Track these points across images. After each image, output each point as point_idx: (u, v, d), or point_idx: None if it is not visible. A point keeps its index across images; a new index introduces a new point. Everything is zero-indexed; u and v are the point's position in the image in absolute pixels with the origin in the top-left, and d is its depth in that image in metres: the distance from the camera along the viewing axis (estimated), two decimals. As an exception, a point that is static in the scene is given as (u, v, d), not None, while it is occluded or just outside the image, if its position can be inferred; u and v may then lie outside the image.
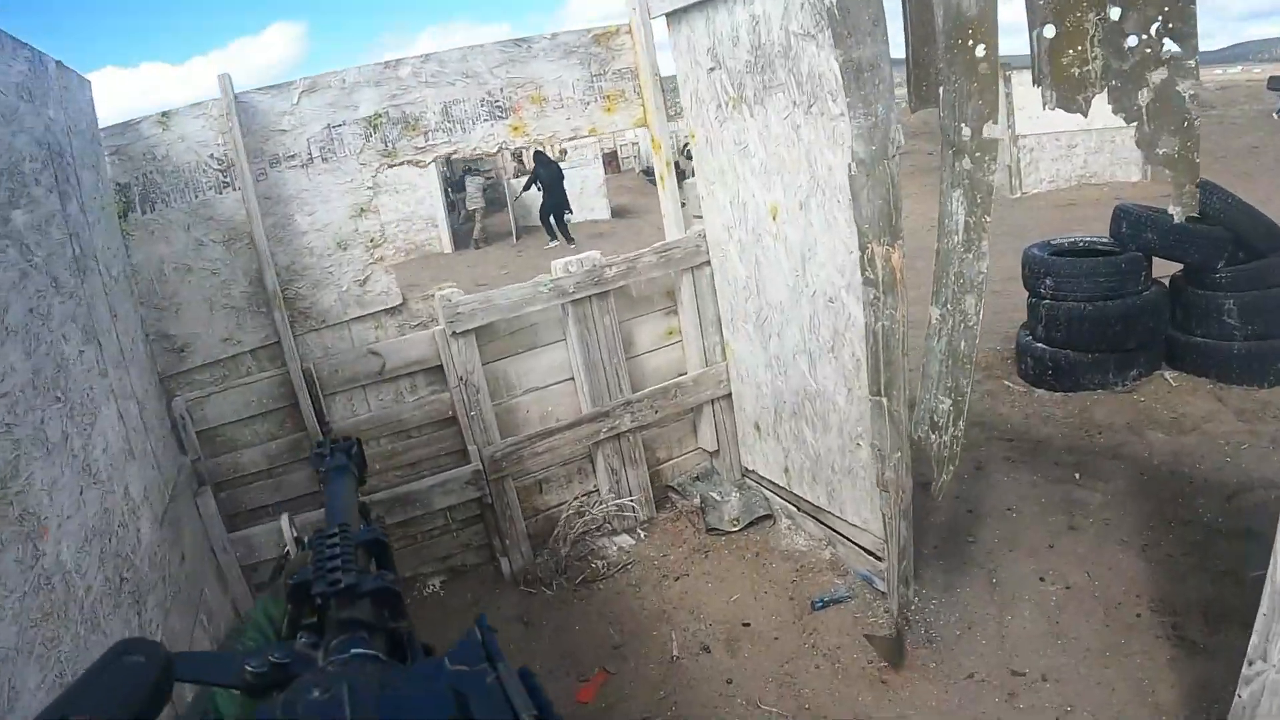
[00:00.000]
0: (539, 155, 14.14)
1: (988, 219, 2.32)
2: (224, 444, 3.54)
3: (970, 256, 2.38)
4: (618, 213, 17.14)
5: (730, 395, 4.25)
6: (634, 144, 22.60)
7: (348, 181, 3.44)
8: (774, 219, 3.43)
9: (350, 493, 0.99)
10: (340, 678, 0.48)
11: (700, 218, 4.08)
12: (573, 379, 3.99)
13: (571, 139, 3.86)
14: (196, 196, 3.29)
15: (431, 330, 3.56)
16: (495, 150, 3.68)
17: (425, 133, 3.54)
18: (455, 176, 19.11)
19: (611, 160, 22.71)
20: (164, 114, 3.23)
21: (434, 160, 3.58)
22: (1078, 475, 4.13)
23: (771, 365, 3.81)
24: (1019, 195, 12.50)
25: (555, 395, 4.01)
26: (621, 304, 3.98)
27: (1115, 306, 4.85)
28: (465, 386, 3.59)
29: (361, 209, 3.47)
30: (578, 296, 3.79)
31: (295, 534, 0.96)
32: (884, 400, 2.89)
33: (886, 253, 2.63)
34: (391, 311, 3.62)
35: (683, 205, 4.24)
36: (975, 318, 2.43)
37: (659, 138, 3.96)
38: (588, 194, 16.64)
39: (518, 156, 20.68)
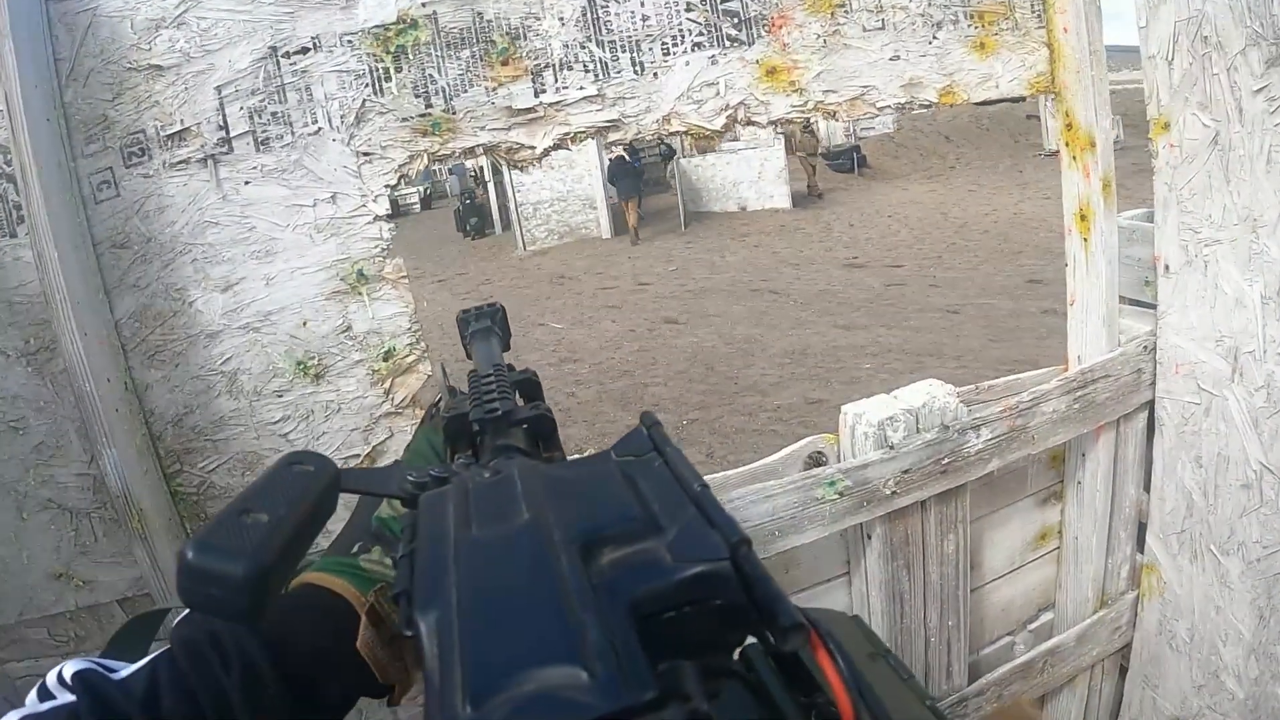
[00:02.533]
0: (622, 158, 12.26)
1: None
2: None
3: None
4: (799, 201, 14.60)
5: (1128, 650, 2.01)
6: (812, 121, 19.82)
7: (324, 198, 1.29)
8: None
9: (498, 349, 0.92)
10: (508, 464, 0.49)
11: (1144, 308, 1.80)
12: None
13: (905, 105, 1.54)
14: (-51, 245, 1.27)
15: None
16: (719, 126, 1.42)
17: (534, 71, 1.33)
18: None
19: (788, 139, 20.04)
20: None
21: (556, 144, 1.37)
22: None
23: (1267, 651, 1.62)
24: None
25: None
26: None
27: None
28: None
29: (359, 271, 1.31)
30: (902, 503, 1.52)
31: (449, 382, 0.93)
32: None
33: None
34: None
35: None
36: None
37: (1083, 119, 1.62)
38: (766, 180, 14.36)
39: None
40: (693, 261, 10.89)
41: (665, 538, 0.37)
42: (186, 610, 0.54)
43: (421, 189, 23.68)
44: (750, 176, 14.01)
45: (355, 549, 0.68)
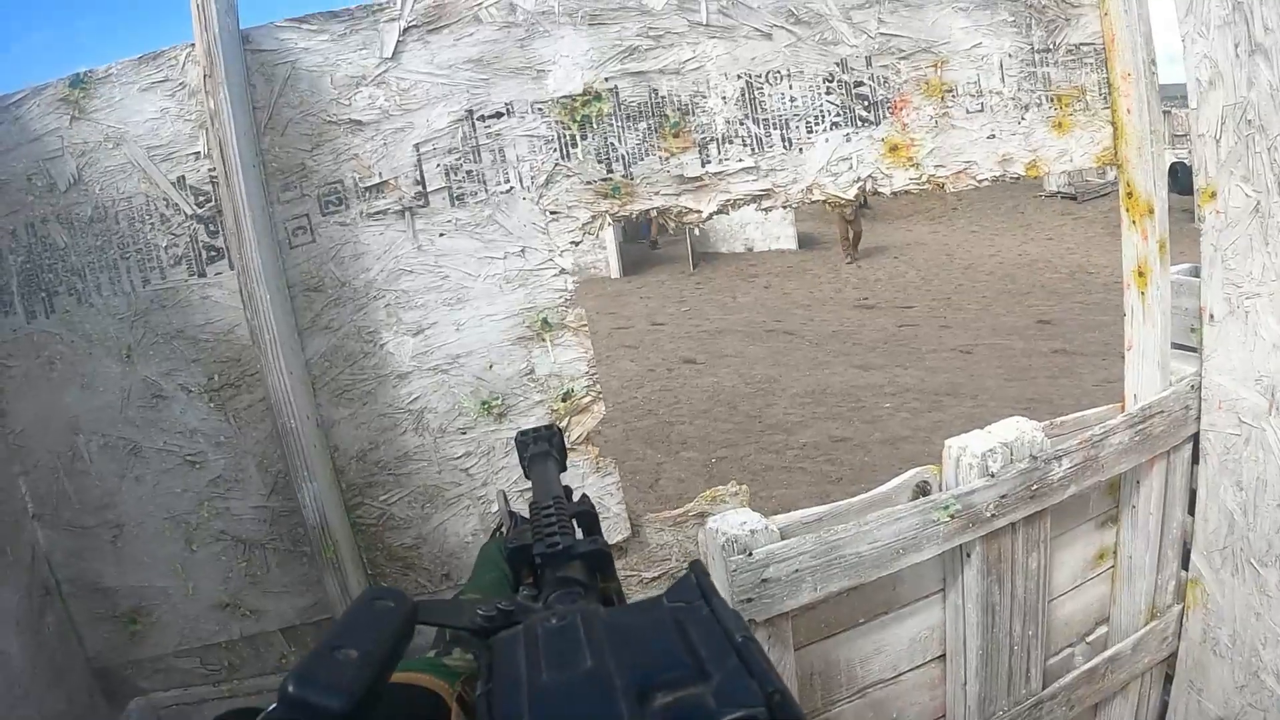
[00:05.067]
0: None
1: None
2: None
3: None
4: (804, 242, 14.83)
5: (1174, 659, 2.20)
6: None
7: (514, 251, 1.39)
8: None
9: (555, 474, 0.97)
10: (572, 610, 0.52)
11: (1188, 351, 2.01)
12: (942, 659, 1.91)
13: (999, 178, 1.69)
14: (147, 282, 1.35)
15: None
16: (851, 196, 1.56)
17: (702, 144, 1.43)
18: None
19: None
20: (76, 80, 1.32)
21: (718, 211, 1.48)
22: None
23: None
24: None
25: (907, 693, 1.91)
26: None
27: None
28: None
29: (543, 319, 1.40)
30: (998, 524, 1.71)
31: (510, 508, 1.01)
32: None
33: None
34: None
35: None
36: None
37: (1143, 188, 1.80)
38: (773, 221, 14.53)
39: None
40: (704, 302, 11.02)
41: (711, 684, 0.41)
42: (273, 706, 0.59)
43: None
44: (756, 218, 14.15)
45: (434, 652, 0.76)
